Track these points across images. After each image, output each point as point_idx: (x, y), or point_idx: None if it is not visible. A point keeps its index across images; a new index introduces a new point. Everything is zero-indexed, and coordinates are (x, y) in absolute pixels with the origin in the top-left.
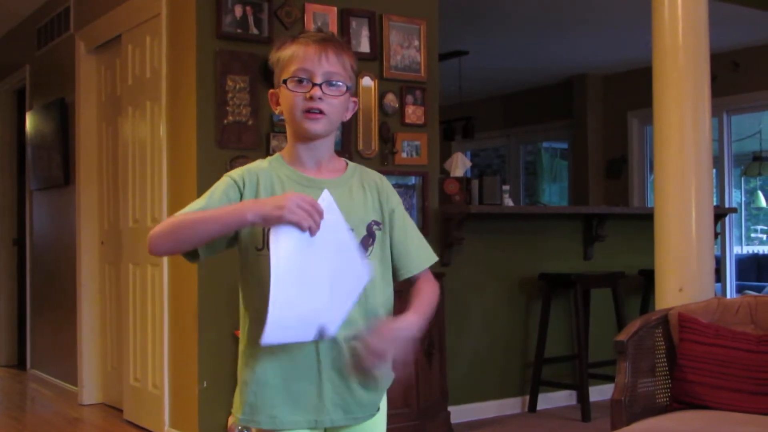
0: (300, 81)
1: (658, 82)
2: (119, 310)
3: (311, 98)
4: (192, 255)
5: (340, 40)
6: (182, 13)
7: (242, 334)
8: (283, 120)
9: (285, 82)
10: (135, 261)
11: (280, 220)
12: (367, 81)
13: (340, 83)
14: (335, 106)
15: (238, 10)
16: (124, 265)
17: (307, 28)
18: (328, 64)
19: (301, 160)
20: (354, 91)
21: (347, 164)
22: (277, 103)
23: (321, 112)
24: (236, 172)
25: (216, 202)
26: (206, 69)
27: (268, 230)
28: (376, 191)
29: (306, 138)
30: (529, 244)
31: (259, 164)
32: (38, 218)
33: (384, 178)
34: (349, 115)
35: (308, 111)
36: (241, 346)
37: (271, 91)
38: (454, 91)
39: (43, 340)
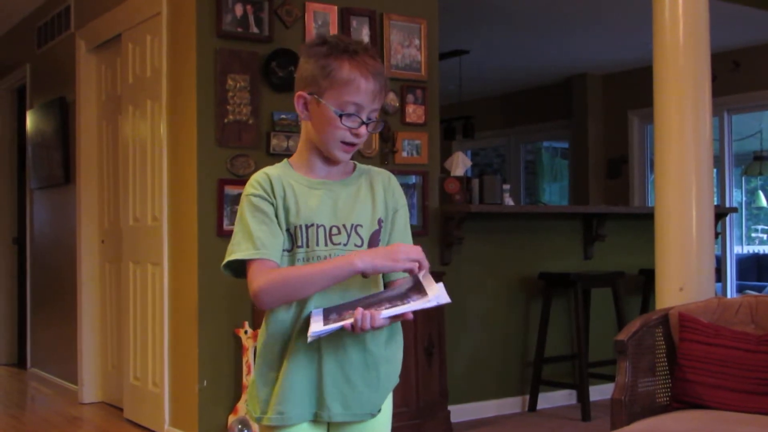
0: (350, 115)
1: (659, 81)
2: (119, 308)
3: (356, 135)
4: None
5: (380, 61)
6: (182, 12)
7: (261, 332)
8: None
9: (340, 115)
10: (135, 260)
11: (393, 269)
12: None
13: (377, 121)
14: (367, 139)
15: (239, 9)
16: (124, 263)
17: (346, 35)
18: (377, 103)
19: (312, 167)
20: None
21: (356, 166)
22: (306, 108)
23: (356, 144)
24: (254, 188)
25: (269, 233)
26: (206, 68)
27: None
28: (383, 189)
29: (331, 161)
30: (530, 244)
31: (270, 170)
32: (38, 217)
33: (393, 178)
34: None
35: (348, 143)
36: (259, 344)
37: (300, 93)
38: (454, 90)
39: (43, 339)
